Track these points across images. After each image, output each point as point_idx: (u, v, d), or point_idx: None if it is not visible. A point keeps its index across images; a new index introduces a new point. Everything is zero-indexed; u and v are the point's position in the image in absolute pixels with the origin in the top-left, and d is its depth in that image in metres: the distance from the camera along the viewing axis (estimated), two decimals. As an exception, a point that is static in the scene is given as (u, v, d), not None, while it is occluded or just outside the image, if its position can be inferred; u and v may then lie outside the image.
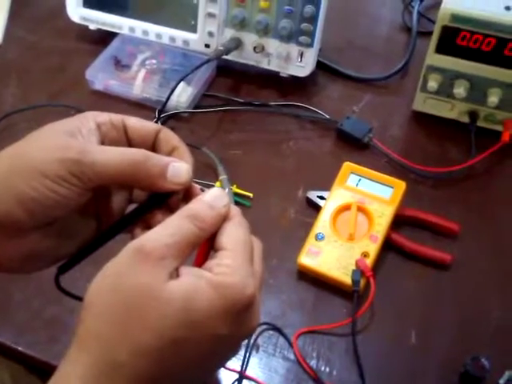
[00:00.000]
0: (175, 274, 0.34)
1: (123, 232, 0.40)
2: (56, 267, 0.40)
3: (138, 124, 0.40)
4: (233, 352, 0.37)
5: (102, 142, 0.39)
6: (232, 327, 0.34)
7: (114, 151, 0.37)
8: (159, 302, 0.32)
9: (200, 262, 0.37)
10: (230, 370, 0.54)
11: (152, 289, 0.32)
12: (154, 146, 0.40)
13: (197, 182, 0.67)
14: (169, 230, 0.34)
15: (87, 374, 0.32)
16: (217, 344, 0.34)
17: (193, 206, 0.36)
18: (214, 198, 0.37)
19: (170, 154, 0.40)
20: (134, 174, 0.37)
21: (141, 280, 0.32)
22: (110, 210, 0.41)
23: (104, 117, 0.39)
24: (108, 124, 0.39)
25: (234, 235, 0.36)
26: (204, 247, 0.37)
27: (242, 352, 0.55)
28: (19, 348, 0.56)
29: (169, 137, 0.40)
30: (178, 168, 0.38)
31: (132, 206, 0.42)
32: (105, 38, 0.84)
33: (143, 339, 0.32)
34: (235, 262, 0.35)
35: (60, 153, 0.36)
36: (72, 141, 0.37)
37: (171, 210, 0.39)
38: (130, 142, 0.40)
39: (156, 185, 0.38)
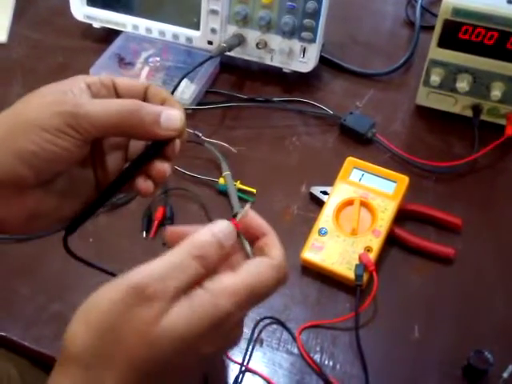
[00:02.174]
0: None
1: (124, 186, 0.41)
2: (63, 229, 0.41)
3: (126, 82, 0.41)
4: (216, 356, 0.39)
5: None
6: (217, 346, 0.35)
7: (107, 102, 0.38)
8: (147, 340, 0.33)
9: None
10: (233, 362, 0.55)
11: (143, 328, 0.33)
12: (144, 101, 0.41)
13: (201, 178, 0.68)
14: (175, 271, 0.34)
15: None
16: (201, 361, 0.35)
17: (204, 244, 0.36)
18: (225, 235, 0.37)
19: (160, 105, 0.41)
20: (128, 122, 0.38)
21: (134, 319, 0.33)
22: (106, 168, 0.42)
23: (94, 78, 0.40)
24: (98, 83, 0.40)
25: (276, 248, 0.39)
26: None
27: (244, 346, 0.55)
28: (25, 343, 0.56)
29: (157, 91, 0.41)
30: (171, 115, 0.39)
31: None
32: (108, 36, 0.85)
33: (129, 372, 0.33)
34: (234, 284, 0.35)
35: (56, 107, 0.37)
36: (66, 96, 0.38)
37: (168, 158, 0.40)
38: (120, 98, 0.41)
39: (151, 132, 0.39)
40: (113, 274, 0.34)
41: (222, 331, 0.34)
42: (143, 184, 0.40)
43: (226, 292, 0.34)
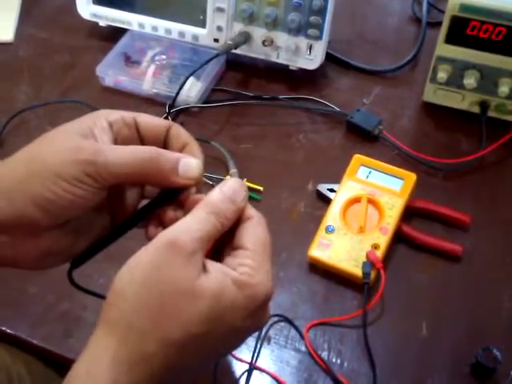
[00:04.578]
0: (203, 268, 0.35)
1: (135, 227, 0.41)
2: (69, 262, 0.41)
3: (149, 121, 0.41)
4: (242, 341, 0.40)
5: (115, 141, 0.40)
6: (247, 321, 0.36)
7: (125, 150, 0.38)
8: (191, 299, 0.34)
9: (209, 254, 0.37)
10: (241, 361, 0.55)
11: (186, 285, 0.34)
12: (165, 142, 0.41)
13: (207, 176, 0.68)
14: (198, 224, 0.36)
15: (117, 360, 0.33)
16: (231, 336, 0.36)
17: (216, 202, 0.37)
18: (234, 191, 0.38)
19: (181, 149, 0.41)
20: (146, 171, 0.38)
21: (176, 275, 0.34)
22: (123, 206, 0.42)
23: (115, 115, 0.40)
24: (120, 122, 0.40)
25: (255, 235, 0.38)
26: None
27: (252, 343, 0.55)
28: (34, 341, 0.56)
29: (179, 133, 0.41)
30: (189, 163, 0.39)
31: (144, 202, 0.42)
32: (115, 34, 0.85)
33: (173, 333, 0.33)
34: (256, 263, 0.37)
35: (74, 155, 0.36)
36: (84, 142, 0.37)
37: (182, 205, 0.40)
38: (141, 139, 0.41)
39: (168, 181, 0.39)
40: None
41: (253, 309, 0.36)
42: (153, 232, 0.40)
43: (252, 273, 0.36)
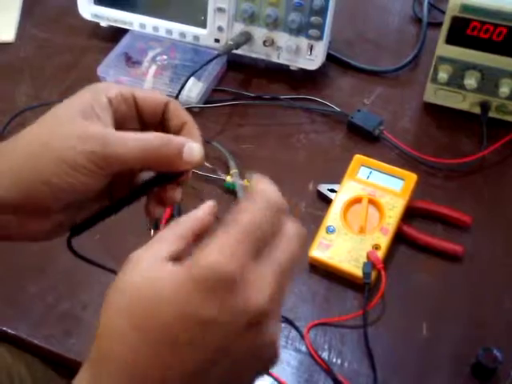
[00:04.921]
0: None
1: (134, 202, 0.41)
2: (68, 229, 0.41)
3: (147, 96, 0.41)
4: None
5: (115, 117, 0.40)
6: (220, 310, 0.29)
7: (132, 138, 0.38)
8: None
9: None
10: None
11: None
12: (163, 118, 0.41)
13: (208, 176, 0.68)
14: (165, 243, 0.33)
15: None
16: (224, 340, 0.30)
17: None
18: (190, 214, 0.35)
19: (180, 128, 0.41)
20: (152, 158, 0.38)
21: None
22: (122, 180, 0.42)
23: (115, 90, 0.40)
24: (119, 98, 0.40)
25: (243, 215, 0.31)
26: None
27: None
28: (35, 341, 0.57)
29: (178, 110, 0.41)
30: (192, 149, 0.39)
31: (144, 174, 0.43)
32: (116, 34, 0.85)
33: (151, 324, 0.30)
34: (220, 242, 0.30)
35: (82, 144, 0.36)
36: (90, 129, 0.37)
37: (180, 184, 0.41)
38: (140, 115, 0.41)
39: (172, 167, 0.39)
40: (114, 272, 0.34)
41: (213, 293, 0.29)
42: (154, 209, 0.41)
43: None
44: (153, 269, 0.31)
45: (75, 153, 0.36)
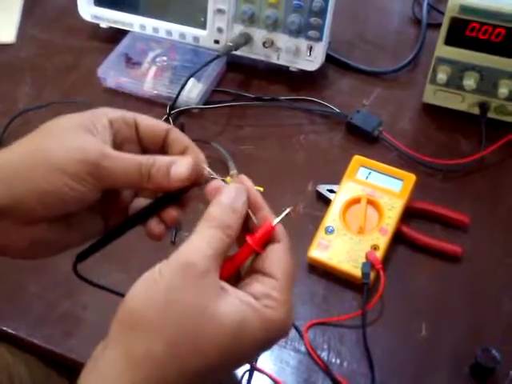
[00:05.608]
0: (221, 288, 0.34)
1: (139, 225, 0.41)
2: (75, 255, 0.41)
3: (149, 122, 0.41)
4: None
5: (114, 139, 0.40)
6: (259, 351, 0.36)
7: (127, 160, 0.38)
8: (211, 325, 0.33)
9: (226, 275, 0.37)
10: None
11: (205, 310, 0.33)
12: (164, 145, 0.42)
13: (208, 177, 0.68)
14: (205, 242, 0.35)
15: None
16: (243, 362, 0.37)
17: (216, 215, 0.36)
18: (232, 199, 0.37)
19: (182, 152, 0.41)
20: (142, 179, 0.38)
21: (194, 298, 0.33)
22: (116, 203, 0.42)
23: (116, 113, 0.40)
24: (120, 121, 0.40)
25: (285, 264, 0.36)
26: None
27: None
28: (35, 341, 0.57)
29: (179, 136, 0.41)
30: (178, 166, 0.39)
31: (138, 200, 0.43)
32: (116, 35, 0.85)
33: (193, 362, 0.32)
34: (283, 297, 0.35)
35: (81, 154, 0.37)
36: (90, 140, 0.38)
37: (184, 205, 0.41)
38: (140, 140, 0.41)
39: (163, 186, 0.39)
40: (121, 295, 0.35)
41: (270, 340, 0.35)
42: (156, 228, 0.41)
43: (278, 307, 0.35)
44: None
45: (73, 161, 0.37)
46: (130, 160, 0.38)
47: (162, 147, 0.42)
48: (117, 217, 0.42)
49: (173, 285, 0.33)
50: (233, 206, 0.36)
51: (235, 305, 0.33)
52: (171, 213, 0.40)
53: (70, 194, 0.37)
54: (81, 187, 0.37)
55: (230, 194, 0.37)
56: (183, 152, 0.41)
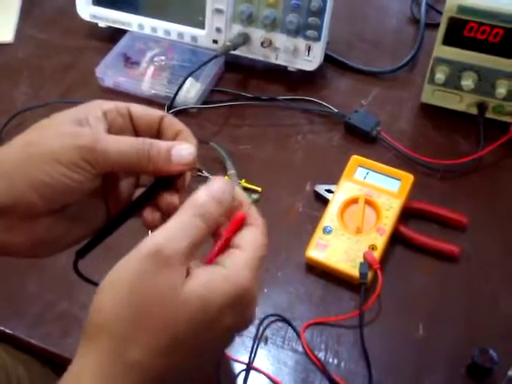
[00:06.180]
0: (188, 273, 0.34)
1: (134, 215, 0.41)
2: (74, 253, 0.41)
3: (142, 111, 0.42)
4: (231, 340, 0.39)
5: (109, 130, 0.40)
6: (237, 319, 0.35)
7: (121, 141, 0.38)
8: (176, 305, 0.33)
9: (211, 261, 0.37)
10: (238, 361, 0.55)
11: (171, 293, 0.33)
12: (158, 132, 0.42)
13: (206, 177, 0.68)
14: (183, 230, 0.35)
15: (98, 371, 0.32)
16: (220, 336, 0.35)
17: (202, 203, 0.36)
18: (221, 191, 0.37)
19: (174, 137, 0.41)
20: (140, 161, 0.38)
21: (160, 285, 0.33)
22: (118, 194, 0.42)
23: (110, 105, 0.41)
24: (114, 111, 0.40)
25: (255, 240, 0.37)
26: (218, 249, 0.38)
27: (250, 344, 0.56)
28: (32, 341, 0.57)
29: (172, 122, 0.42)
30: (181, 150, 0.39)
31: (140, 190, 0.43)
32: (114, 35, 0.85)
33: (158, 339, 0.32)
34: (247, 263, 0.36)
35: (74, 140, 0.37)
36: (82, 128, 0.38)
37: (178, 190, 0.41)
38: (135, 129, 0.41)
39: (162, 169, 0.39)
40: None
41: (240, 306, 0.35)
42: (150, 215, 0.41)
43: (243, 268, 0.35)
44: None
45: (66, 149, 0.37)
46: (124, 141, 0.38)
47: (156, 134, 0.42)
48: (120, 208, 0.42)
49: (138, 272, 0.33)
50: (220, 198, 0.37)
51: (200, 281, 0.34)
52: (167, 198, 0.40)
53: (67, 183, 0.37)
54: (77, 175, 0.37)
55: (219, 186, 0.37)
56: (176, 135, 0.41)
